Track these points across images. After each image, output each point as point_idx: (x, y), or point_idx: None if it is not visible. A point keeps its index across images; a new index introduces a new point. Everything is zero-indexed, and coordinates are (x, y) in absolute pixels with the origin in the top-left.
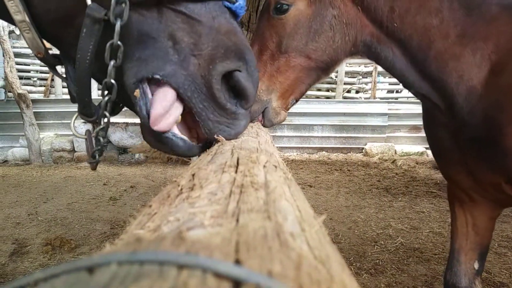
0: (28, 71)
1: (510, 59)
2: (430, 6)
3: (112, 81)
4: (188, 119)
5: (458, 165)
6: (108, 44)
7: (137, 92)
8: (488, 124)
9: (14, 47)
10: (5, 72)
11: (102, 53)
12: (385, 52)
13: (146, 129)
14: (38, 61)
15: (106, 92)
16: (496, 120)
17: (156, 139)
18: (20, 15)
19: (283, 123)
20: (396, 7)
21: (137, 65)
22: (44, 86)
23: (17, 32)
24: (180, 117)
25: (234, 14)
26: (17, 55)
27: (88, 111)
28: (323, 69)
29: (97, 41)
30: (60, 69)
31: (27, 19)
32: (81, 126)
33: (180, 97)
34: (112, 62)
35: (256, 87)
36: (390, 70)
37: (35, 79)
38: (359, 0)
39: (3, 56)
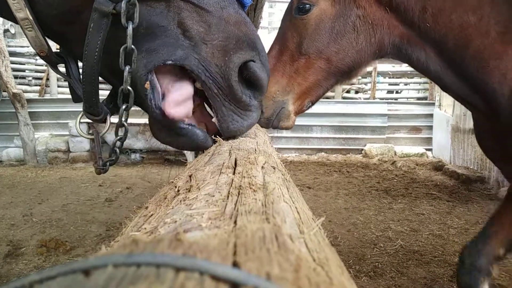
0: (23, 71)
1: None
2: (467, 3)
3: (129, 88)
4: (198, 113)
5: None
6: (121, 49)
7: (147, 84)
8: None
9: (9, 46)
10: (0, 71)
11: (111, 49)
12: (417, 53)
13: (158, 124)
14: (33, 61)
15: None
16: None
17: (173, 132)
18: (22, 12)
19: None
20: (428, 6)
21: (146, 56)
22: (39, 85)
23: (12, 31)
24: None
25: (241, 4)
26: (12, 54)
27: (94, 110)
28: (344, 72)
29: (105, 36)
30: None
31: (29, 16)
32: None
33: (194, 88)
34: (127, 68)
35: (269, 77)
36: (424, 72)
37: (30, 78)
38: (387, 1)
39: None
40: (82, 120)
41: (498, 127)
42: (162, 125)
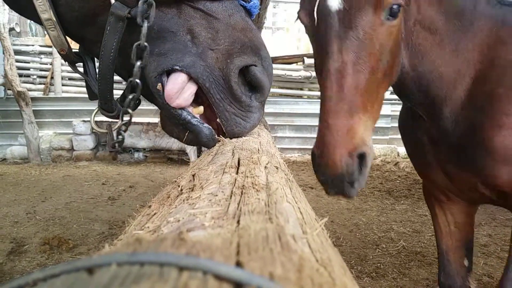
0: (28, 69)
1: (492, 68)
2: (430, 26)
3: (137, 80)
4: (208, 111)
5: (435, 167)
6: (134, 45)
7: (159, 86)
8: (471, 130)
9: (14, 45)
10: (4, 69)
11: (125, 50)
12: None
13: (169, 120)
14: (38, 59)
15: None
16: (480, 125)
17: (182, 128)
18: (47, 13)
19: (284, 123)
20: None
21: (157, 59)
22: (44, 84)
23: (17, 29)
24: (202, 108)
25: (248, 12)
26: (17, 52)
27: (109, 106)
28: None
29: (120, 38)
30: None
31: (53, 17)
32: (80, 125)
33: (197, 84)
34: (138, 63)
35: (271, 81)
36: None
37: (35, 77)
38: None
39: (3, 53)
40: (96, 119)
41: (436, 130)
42: (170, 120)
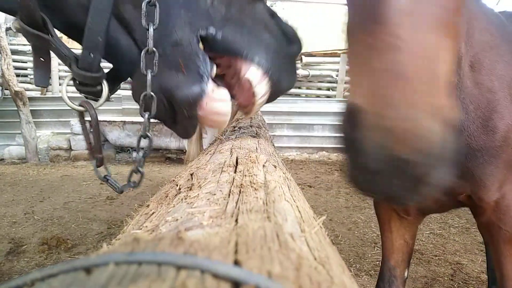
0: (25, 69)
1: None
2: None
3: (152, 93)
4: (227, 79)
5: None
6: (143, 52)
7: (201, 46)
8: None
9: (11, 44)
10: (2, 69)
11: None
12: None
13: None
14: None
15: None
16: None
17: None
18: None
19: (283, 122)
20: None
21: (189, 19)
22: None
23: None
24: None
25: None
26: (14, 52)
27: (93, 61)
28: None
29: None
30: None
31: None
32: (78, 125)
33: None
34: (150, 72)
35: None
36: None
37: (32, 76)
38: None
39: (0, 53)
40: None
41: None
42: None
